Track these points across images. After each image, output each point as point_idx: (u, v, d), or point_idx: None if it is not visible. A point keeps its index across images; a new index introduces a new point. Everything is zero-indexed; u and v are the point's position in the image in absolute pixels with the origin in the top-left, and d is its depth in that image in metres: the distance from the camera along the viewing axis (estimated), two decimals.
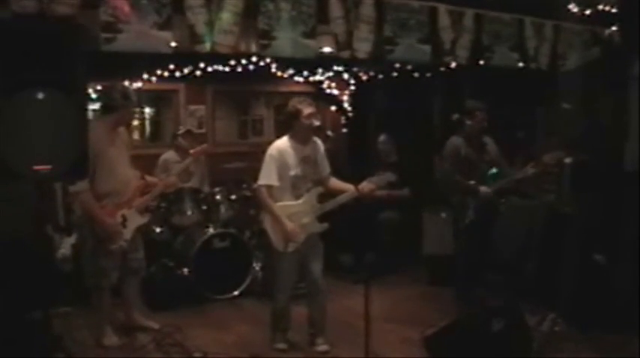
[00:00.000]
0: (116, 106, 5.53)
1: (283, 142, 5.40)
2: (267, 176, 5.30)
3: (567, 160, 6.78)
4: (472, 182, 6.33)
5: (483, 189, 6.33)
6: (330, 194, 5.52)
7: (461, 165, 6.42)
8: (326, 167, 5.58)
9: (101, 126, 5.45)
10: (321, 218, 5.45)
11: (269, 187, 5.31)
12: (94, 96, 7.42)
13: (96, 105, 7.13)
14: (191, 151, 6.74)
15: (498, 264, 6.60)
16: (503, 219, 6.49)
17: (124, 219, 5.56)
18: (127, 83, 8.38)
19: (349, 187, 5.43)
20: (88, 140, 4.26)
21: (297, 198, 5.37)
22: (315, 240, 5.47)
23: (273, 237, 5.36)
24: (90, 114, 5.31)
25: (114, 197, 5.49)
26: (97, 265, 5.48)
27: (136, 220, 5.69)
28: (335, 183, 5.58)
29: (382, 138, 8.60)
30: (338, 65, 9.45)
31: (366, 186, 5.34)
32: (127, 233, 5.58)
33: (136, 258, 5.84)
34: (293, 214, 5.33)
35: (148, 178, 5.99)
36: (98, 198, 5.38)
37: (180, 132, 8.22)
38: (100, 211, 5.37)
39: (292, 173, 5.32)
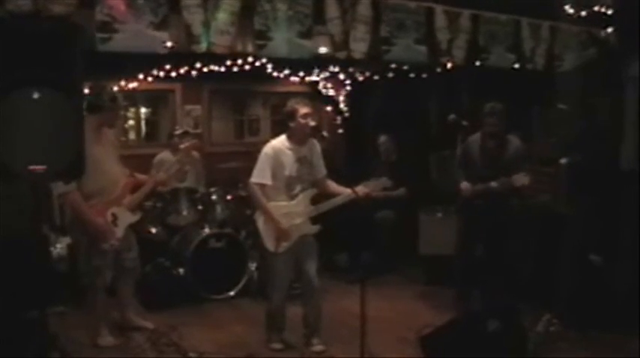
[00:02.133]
0: (102, 107, 5.50)
1: (280, 142, 5.40)
2: (261, 174, 5.30)
3: (563, 161, 6.78)
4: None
5: (464, 185, 6.37)
6: (325, 196, 5.52)
7: (466, 164, 6.48)
8: (322, 169, 5.58)
9: (85, 125, 5.42)
10: (316, 218, 5.46)
11: (261, 186, 5.31)
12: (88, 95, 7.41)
13: None
14: (181, 146, 6.72)
15: (495, 264, 6.60)
16: (495, 220, 6.49)
17: (115, 217, 5.54)
18: (123, 83, 8.40)
19: (345, 190, 5.43)
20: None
21: (292, 198, 5.37)
22: (309, 240, 5.47)
23: (265, 238, 5.37)
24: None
25: (102, 195, 5.47)
26: (90, 265, 5.47)
27: (127, 218, 5.67)
28: (331, 185, 5.58)
29: (382, 138, 8.61)
30: (334, 65, 9.45)
31: (361, 189, 5.34)
32: (119, 231, 5.56)
33: (130, 257, 5.82)
34: (286, 214, 5.33)
35: (138, 176, 5.97)
36: (87, 197, 5.35)
37: (177, 132, 8.22)
38: (89, 211, 5.35)
39: (287, 173, 5.32)
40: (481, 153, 6.38)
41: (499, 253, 6.47)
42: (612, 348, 5.47)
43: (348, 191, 5.36)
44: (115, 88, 6.81)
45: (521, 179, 6.03)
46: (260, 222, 5.43)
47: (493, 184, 6.16)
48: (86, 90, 5.33)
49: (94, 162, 5.15)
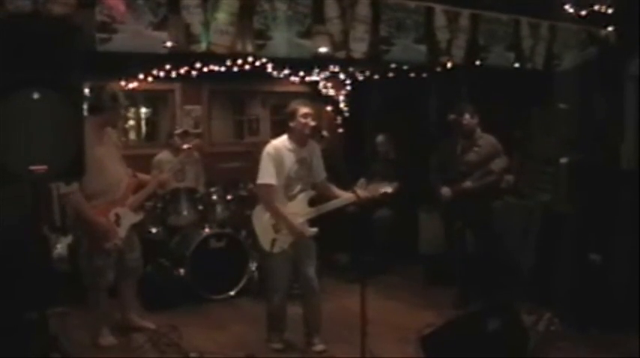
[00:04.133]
0: (104, 108, 5.52)
1: (281, 142, 5.41)
2: (267, 174, 5.30)
3: (563, 160, 6.79)
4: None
5: (444, 190, 6.59)
6: (325, 198, 5.52)
7: (443, 166, 6.70)
8: (321, 172, 5.59)
9: (87, 126, 5.44)
10: (316, 218, 5.46)
11: (269, 186, 5.30)
12: (89, 96, 7.42)
13: None
14: (184, 146, 6.73)
15: (495, 264, 6.61)
16: (480, 216, 6.56)
17: (118, 217, 5.54)
18: (123, 83, 8.40)
19: (345, 194, 5.44)
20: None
21: (290, 199, 5.38)
22: (306, 241, 5.47)
23: (262, 238, 5.38)
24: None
25: (105, 196, 5.48)
26: (92, 265, 5.48)
27: (130, 218, 5.67)
28: (331, 188, 5.59)
29: (380, 138, 8.66)
30: (334, 65, 9.45)
31: (362, 193, 5.36)
32: (122, 231, 5.57)
33: (133, 257, 5.83)
34: None
35: (141, 176, 5.97)
36: (89, 198, 5.35)
37: (177, 132, 8.22)
38: (91, 211, 5.35)
39: (286, 174, 5.33)
40: (457, 152, 6.51)
41: (489, 249, 6.55)
42: (612, 347, 5.48)
43: (348, 194, 5.38)
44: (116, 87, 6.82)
45: (499, 163, 6.19)
46: (257, 222, 5.44)
47: (470, 182, 6.31)
48: (86, 91, 5.34)
49: (96, 163, 5.17)
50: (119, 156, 5.77)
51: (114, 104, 5.57)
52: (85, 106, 5.75)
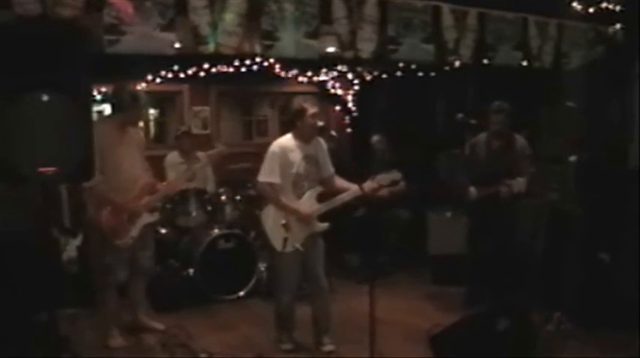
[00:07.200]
0: (124, 107, 5.56)
1: (286, 140, 5.41)
2: (269, 173, 5.31)
3: (572, 159, 6.78)
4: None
5: (472, 189, 6.49)
6: (333, 194, 5.51)
7: (472, 164, 6.59)
8: (329, 167, 5.57)
9: (108, 125, 5.52)
10: (325, 217, 5.45)
11: (270, 184, 5.31)
12: (98, 98, 7.45)
13: (100, 107, 7.14)
14: (207, 153, 6.78)
15: (506, 264, 6.59)
16: (504, 219, 6.51)
17: (132, 216, 5.58)
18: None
19: (352, 186, 5.42)
20: (94, 137, 4.28)
21: (298, 197, 5.37)
22: (315, 239, 5.47)
23: (272, 237, 5.37)
24: (94, 117, 5.33)
25: (120, 194, 5.50)
26: (102, 262, 5.50)
27: (144, 218, 5.70)
28: (339, 183, 5.57)
29: (375, 138, 8.62)
30: (342, 65, 9.45)
31: (368, 185, 5.32)
32: (134, 230, 5.59)
33: (146, 256, 5.86)
34: None
35: (159, 185, 6.01)
36: None
37: (178, 133, 8.22)
38: (119, 198, 5.42)
39: (294, 171, 5.32)
40: (487, 152, 6.42)
41: (508, 251, 6.50)
42: (623, 347, 5.45)
43: (355, 187, 5.35)
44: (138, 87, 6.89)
45: (519, 185, 6.10)
46: (267, 221, 5.43)
47: (502, 189, 6.23)
48: (105, 91, 5.38)
49: (113, 162, 5.25)
50: (140, 155, 5.82)
51: (134, 104, 5.61)
52: (100, 109, 5.84)
